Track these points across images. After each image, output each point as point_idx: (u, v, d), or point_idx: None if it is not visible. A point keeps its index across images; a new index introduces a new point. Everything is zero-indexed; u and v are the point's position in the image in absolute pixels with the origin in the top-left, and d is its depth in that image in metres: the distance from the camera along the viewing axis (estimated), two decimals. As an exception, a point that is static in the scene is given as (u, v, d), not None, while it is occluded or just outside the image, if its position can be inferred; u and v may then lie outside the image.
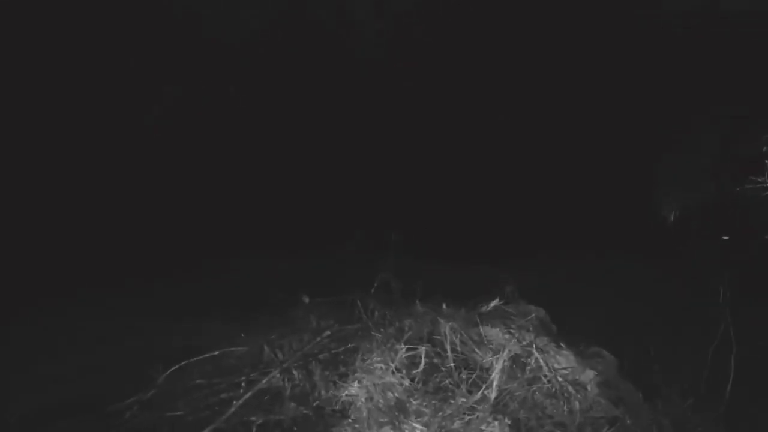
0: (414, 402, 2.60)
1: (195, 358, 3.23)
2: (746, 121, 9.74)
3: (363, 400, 2.60)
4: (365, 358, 2.72)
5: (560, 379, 2.67)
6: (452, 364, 2.67)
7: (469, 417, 2.49)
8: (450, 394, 2.62)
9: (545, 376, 2.65)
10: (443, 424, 2.46)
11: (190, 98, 7.56)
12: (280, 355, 3.01)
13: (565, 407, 2.63)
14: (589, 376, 2.86)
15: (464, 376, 2.64)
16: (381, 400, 2.59)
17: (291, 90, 8.76)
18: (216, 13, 7.89)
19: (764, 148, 9.29)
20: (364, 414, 2.56)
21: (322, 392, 2.70)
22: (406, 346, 2.73)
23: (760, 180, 9.17)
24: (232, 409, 2.61)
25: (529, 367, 2.66)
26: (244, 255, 5.78)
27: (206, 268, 5.43)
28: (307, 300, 3.35)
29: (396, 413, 2.54)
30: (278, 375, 2.82)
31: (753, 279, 4.40)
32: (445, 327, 2.77)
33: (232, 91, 8.03)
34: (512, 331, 2.98)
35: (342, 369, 2.84)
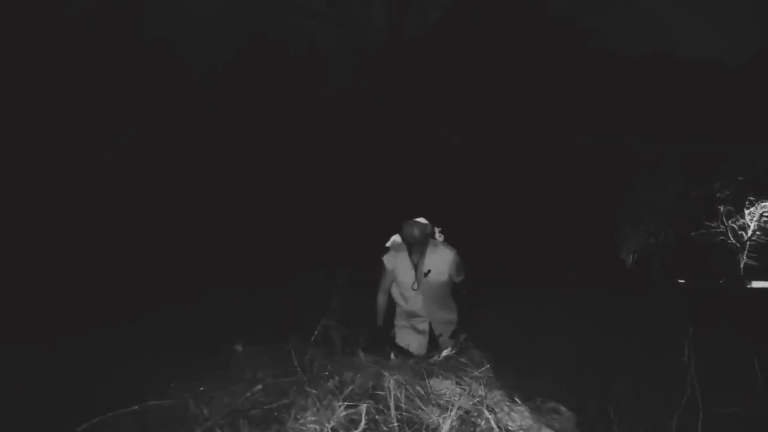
0: (351, 468, 2.31)
1: (113, 413, 2.89)
2: (704, 166, 10.12)
3: (294, 466, 2.31)
4: (298, 416, 2.43)
5: (513, 440, 2.44)
6: (395, 424, 2.40)
7: (411, 485, 2.23)
8: (392, 458, 2.34)
9: (497, 437, 2.41)
10: (382, 494, 2.19)
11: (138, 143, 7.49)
12: (205, 411, 2.67)
13: (518, 472, 2.39)
14: (545, 435, 2.63)
15: (408, 438, 2.37)
16: (314, 466, 2.30)
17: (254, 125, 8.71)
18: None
19: (717, 195, 9.65)
20: (294, 483, 2.26)
21: (250, 456, 2.39)
22: (346, 403, 2.45)
23: (714, 225, 9.48)
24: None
25: (479, 429, 2.42)
26: (179, 301, 5.46)
27: (139, 315, 5.08)
28: (240, 349, 3.04)
29: (330, 482, 2.25)
30: (201, 435, 2.50)
31: (717, 332, 4.32)
32: (389, 381, 2.51)
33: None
34: (464, 384, 2.75)
35: (274, 427, 2.53)
